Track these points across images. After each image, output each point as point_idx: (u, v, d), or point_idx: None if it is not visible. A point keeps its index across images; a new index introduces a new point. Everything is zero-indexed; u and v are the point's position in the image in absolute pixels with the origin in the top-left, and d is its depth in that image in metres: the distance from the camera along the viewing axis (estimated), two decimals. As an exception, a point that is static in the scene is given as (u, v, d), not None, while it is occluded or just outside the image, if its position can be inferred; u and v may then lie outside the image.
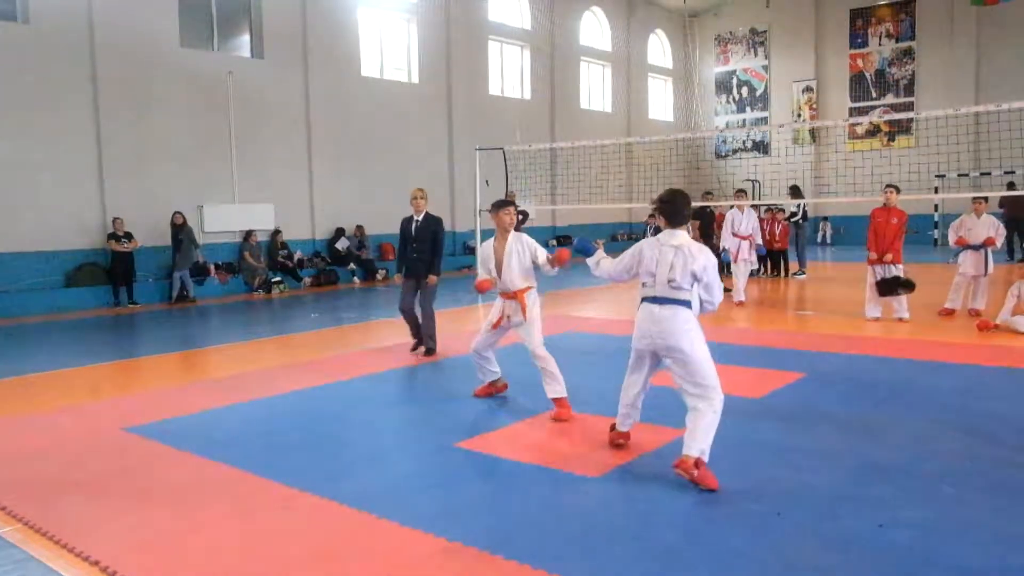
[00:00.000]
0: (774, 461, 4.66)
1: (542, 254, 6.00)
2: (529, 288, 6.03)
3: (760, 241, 12.61)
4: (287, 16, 16.82)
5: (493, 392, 6.47)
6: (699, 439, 4.21)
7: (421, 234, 8.22)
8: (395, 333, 10.11)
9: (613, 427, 5.00)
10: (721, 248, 12.58)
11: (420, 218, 8.28)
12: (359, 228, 17.95)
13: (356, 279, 17.25)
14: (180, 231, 14.32)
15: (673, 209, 4.54)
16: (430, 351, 8.40)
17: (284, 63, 16.88)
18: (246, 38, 16.65)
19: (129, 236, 13.83)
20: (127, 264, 13.79)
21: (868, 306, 10.15)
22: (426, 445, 5.23)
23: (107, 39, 14.01)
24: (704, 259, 4.39)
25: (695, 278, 4.38)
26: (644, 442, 5.00)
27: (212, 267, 15.50)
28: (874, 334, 9.27)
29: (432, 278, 8.28)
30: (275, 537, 3.75)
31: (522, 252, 6.02)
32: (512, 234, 6.09)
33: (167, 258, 14.63)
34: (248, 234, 15.98)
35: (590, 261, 4.99)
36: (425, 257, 8.25)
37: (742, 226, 12.31)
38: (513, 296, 6.03)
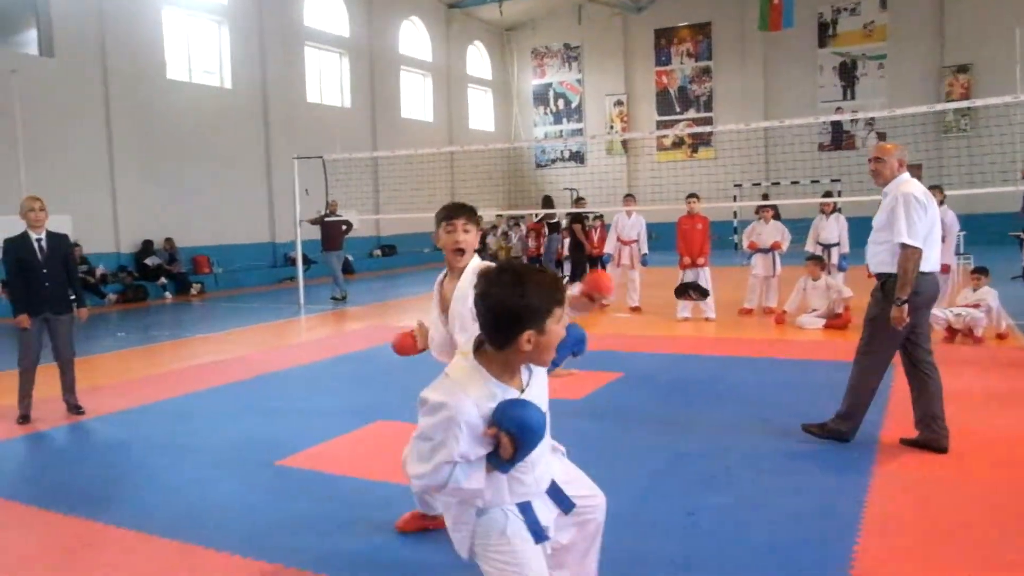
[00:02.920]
0: (590, 457, 4.82)
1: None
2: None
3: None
4: (79, 13, 15.56)
5: None
6: None
7: (51, 258, 6.30)
8: (214, 349, 9.60)
9: None
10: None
11: (43, 237, 6.30)
12: (168, 241, 16.87)
13: (168, 294, 16.21)
14: None
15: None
16: (78, 410, 6.50)
17: (79, 63, 15.61)
18: (33, 34, 15.26)
19: None
20: None
21: (679, 307, 10.80)
22: (245, 466, 4.99)
23: None
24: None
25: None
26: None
27: (-2, 285, 14.05)
28: (685, 333, 9.88)
29: (83, 311, 6.64)
30: (73, 577, 3.45)
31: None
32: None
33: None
34: (40, 248, 14.61)
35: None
36: (59, 289, 6.37)
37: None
38: None
